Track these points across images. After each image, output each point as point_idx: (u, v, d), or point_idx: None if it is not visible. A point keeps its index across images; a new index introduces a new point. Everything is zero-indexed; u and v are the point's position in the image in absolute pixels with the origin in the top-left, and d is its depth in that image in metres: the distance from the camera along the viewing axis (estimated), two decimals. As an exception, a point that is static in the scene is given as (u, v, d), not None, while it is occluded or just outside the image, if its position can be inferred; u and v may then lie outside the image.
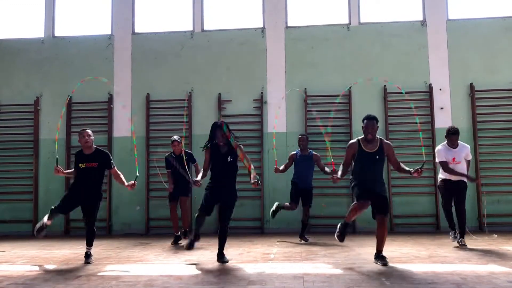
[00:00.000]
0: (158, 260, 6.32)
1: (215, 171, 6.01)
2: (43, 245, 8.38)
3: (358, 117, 10.08)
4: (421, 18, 10.49)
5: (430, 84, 10.15)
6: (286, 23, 10.70)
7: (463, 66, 10.17)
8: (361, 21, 10.58)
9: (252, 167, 5.99)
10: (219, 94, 10.45)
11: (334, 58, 10.47)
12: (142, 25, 11.10)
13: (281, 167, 8.22)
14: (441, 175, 7.41)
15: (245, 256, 6.57)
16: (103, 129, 10.55)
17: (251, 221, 10.10)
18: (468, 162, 7.47)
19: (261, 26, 10.75)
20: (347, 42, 10.51)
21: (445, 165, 7.25)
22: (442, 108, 10.05)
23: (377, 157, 5.66)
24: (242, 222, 9.91)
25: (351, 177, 5.92)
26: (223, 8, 11.07)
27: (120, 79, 10.75)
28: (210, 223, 9.93)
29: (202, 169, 6.14)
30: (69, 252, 7.29)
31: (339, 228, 5.88)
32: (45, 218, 6.17)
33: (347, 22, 10.60)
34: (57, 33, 11.18)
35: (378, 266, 5.51)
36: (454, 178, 7.20)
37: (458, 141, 7.33)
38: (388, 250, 6.93)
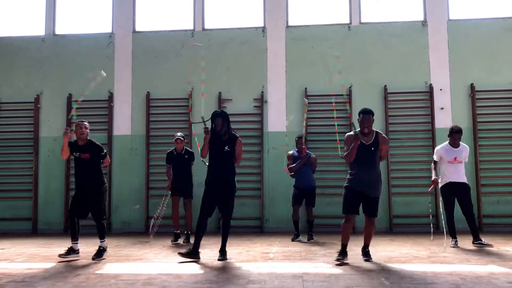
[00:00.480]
0: (158, 259, 6.32)
1: (212, 159, 6.08)
2: (42, 243, 8.38)
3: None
4: (422, 18, 10.49)
5: (430, 84, 10.15)
6: (287, 22, 10.69)
7: (464, 66, 10.16)
8: (362, 21, 10.58)
9: (238, 161, 6.16)
10: (220, 93, 10.45)
11: (334, 58, 10.43)
12: (143, 24, 11.09)
13: (292, 166, 8.30)
14: (443, 179, 7.36)
15: (245, 255, 6.57)
16: (103, 127, 10.55)
17: (250, 220, 10.10)
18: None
19: (262, 25, 10.75)
20: (348, 42, 10.50)
21: (434, 164, 7.37)
22: (442, 108, 10.05)
23: (372, 148, 5.75)
24: (242, 221, 9.91)
25: (348, 172, 5.92)
26: (224, 7, 11.07)
27: (120, 77, 10.75)
28: (210, 222, 9.93)
29: (201, 150, 6.14)
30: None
31: (338, 255, 5.80)
32: (71, 243, 6.32)
33: (348, 21, 10.60)
34: (57, 31, 11.18)
35: (377, 266, 5.52)
36: (456, 180, 7.17)
37: (460, 142, 7.33)
38: (388, 250, 6.94)
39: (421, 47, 10.33)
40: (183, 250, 6.14)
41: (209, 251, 6.82)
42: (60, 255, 6.20)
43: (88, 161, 6.36)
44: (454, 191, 7.24)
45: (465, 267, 5.38)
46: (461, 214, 7.39)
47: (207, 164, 6.24)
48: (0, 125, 10.85)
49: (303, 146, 8.32)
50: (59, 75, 10.91)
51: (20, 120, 10.88)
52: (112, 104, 10.65)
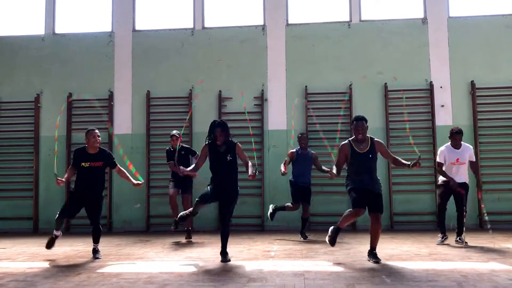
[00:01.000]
0: (159, 257, 6.32)
1: (215, 170, 5.92)
2: (43, 242, 8.35)
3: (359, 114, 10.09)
4: (422, 16, 10.47)
5: (431, 82, 10.14)
6: (287, 20, 10.68)
7: (464, 63, 10.16)
8: (362, 19, 10.57)
9: (250, 163, 5.92)
10: (220, 91, 10.44)
11: (334, 56, 10.46)
12: (143, 22, 11.09)
13: (284, 168, 8.13)
14: (443, 176, 7.35)
15: (246, 253, 6.57)
16: (104, 127, 10.52)
17: (251, 218, 10.10)
18: (473, 163, 7.43)
19: (262, 23, 10.74)
20: (348, 39, 10.49)
21: (440, 166, 7.30)
22: (443, 106, 10.05)
23: (370, 156, 5.74)
24: (243, 220, 9.91)
25: (346, 180, 5.92)
26: (224, 5, 11.06)
27: (120, 76, 10.75)
28: (210, 221, 9.98)
29: (195, 165, 6.12)
30: (69, 249, 7.30)
31: (331, 232, 5.91)
32: (54, 231, 6.38)
33: (348, 19, 10.59)
34: (57, 30, 11.17)
35: (378, 264, 5.51)
36: (457, 179, 7.16)
37: (462, 143, 7.31)
38: (389, 248, 6.94)
39: (421, 44, 10.32)
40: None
41: (210, 250, 6.82)
42: (48, 244, 6.34)
43: (100, 170, 6.31)
44: (451, 189, 7.21)
45: (466, 265, 5.38)
46: (452, 212, 7.38)
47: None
48: (1, 125, 10.86)
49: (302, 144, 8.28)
50: (59, 74, 10.91)
51: (20, 120, 10.88)
52: (112, 103, 10.65)
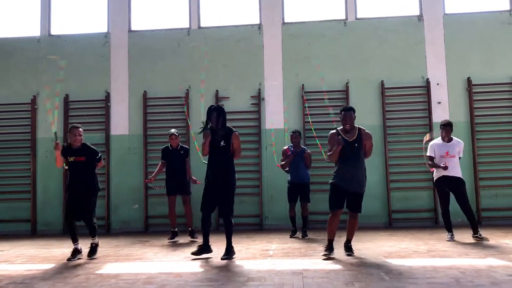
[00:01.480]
0: (157, 258, 6.32)
1: (210, 155, 6.03)
2: (42, 244, 8.38)
3: (356, 112, 10.09)
4: (417, 13, 10.48)
5: (427, 79, 10.15)
6: (283, 19, 10.68)
7: (460, 60, 10.17)
8: (358, 17, 10.57)
9: (238, 157, 6.06)
10: (217, 91, 10.44)
11: (331, 54, 10.46)
12: (139, 23, 11.07)
13: (283, 163, 8.26)
14: (436, 173, 7.38)
15: (244, 252, 6.58)
16: (100, 127, 10.54)
17: (250, 217, 10.10)
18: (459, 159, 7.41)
19: (258, 22, 10.73)
20: (344, 38, 10.50)
21: (430, 160, 7.36)
22: (439, 103, 10.06)
23: (356, 144, 5.81)
24: (241, 219, 9.90)
25: (333, 172, 5.97)
26: (220, 5, 11.05)
27: (117, 77, 10.74)
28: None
29: (203, 149, 6.08)
30: (68, 250, 7.24)
31: (326, 248, 5.89)
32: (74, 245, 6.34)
33: (343, 17, 10.59)
34: (53, 32, 11.14)
35: (377, 261, 5.53)
36: (450, 173, 7.18)
37: (454, 137, 7.33)
38: (387, 245, 6.96)
39: (418, 41, 10.33)
40: (194, 250, 6.13)
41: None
42: (68, 259, 6.20)
43: (84, 165, 6.39)
44: (447, 184, 7.24)
45: (464, 261, 5.40)
46: (459, 208, 7.39)
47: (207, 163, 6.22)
48: (-3, 127, 10.83)
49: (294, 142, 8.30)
50: (55, 75, 10.84)
51: (17, 122, 10.85)
52: (109, 103, 10.63)
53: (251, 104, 10.43)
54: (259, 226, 10.00)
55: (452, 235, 7.27)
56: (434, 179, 7.46)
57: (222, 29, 10.79)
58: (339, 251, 6.38)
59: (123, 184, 10.43)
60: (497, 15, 10.32)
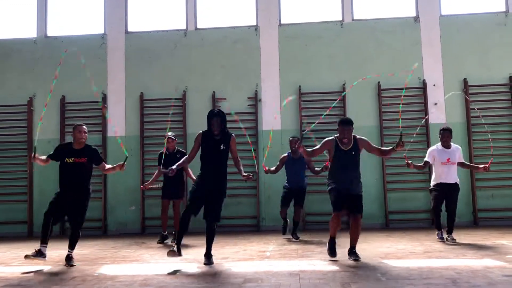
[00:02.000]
0: (154, 260, 6.31)
1: (206, 159, 5.75)
2: (38, 246, 8.33)
3: (352, 113, 10.10)
4: (414, 14, 10.52)
5: (424, 80, 10.18)
6: (280, 20, 10.70)
7: (457, 61, 10.21)
8: (354, 18, 10.60)
9: (241, 163, 5.87)
10: (213, 92, 10.44)
11: (327, 55, 10.48)
12: (135, 24, 11.07)
13: (272, 168, 7.99)
14: (435, 180, 7.33)
15: (241, 254, 6.58)
16: (97, 129, 10.52)
17: (247, 219, 10.10)
18: (462, 164, 7.40)
19: (255, 24, 10.74)
20: (341, 39, 10.51)
21: (425, 165, 7.34)
22: (436, 104, 10.09)
23: (353, 153, 5.85)
24: (238, 220, 9.92)
25: (327, 180, 5.98)
26: (217, 6, 11.06)
27: (113, 78, 10.73)
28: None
29: (187, 156, 5.98)
30: (64, 252, 7.24)
31: (328, 245, 5.91)
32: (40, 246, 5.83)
33: (340, 19, 10.61)
34: (49, 33, 11.13)
35: (373, 262, 5.53)
36: (448, 181, 7.17)
37: (451, 143, 7.30)
38: (384, 246, 6.97)
39: (414, 43, 10.36)
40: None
41: (205, 251, 6.80)
42: (26, 256, 5.74)
43: (84, 167, 6.03)
44: (444, 190, 7.23)
45: (460, 262, 5.41)
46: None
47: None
48: (-6, 128, 10.80)
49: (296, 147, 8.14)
50: (52, 77, 10.81)
51: (13, 123, 10.83)
52: (105, 105, 10.61)
53: (248, 105, 10.43)
54: (256, 228, 10.00)
55: (442, 233, 7.28)
56: (431, 185, 7.40)
57: (219, 31, 10.79)
58: (337, 251, 6.39)
59: (120, 186, 10.41)
60: (492, 16, 10.36)
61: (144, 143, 10.45)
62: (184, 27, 10.87)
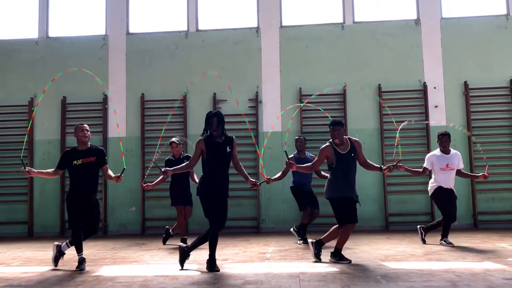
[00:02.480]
0: (154, 261, 6.32)
1: (213, 164, 5.47)
2: (38, 246, 8.36)
3: (353, 116, 10.14)
4: (415, 17, 10.53)
5: (424, 83, 10.19)
6: (281, 22, 10.71)
7: (457, 64, 10.21)
8: (356, 20, 10.61)
9: (243, 168, 5.72)
10: (214, 94, 10.45)
11: (328, 57, 10.50)
12: (137, 26, 11.08)
13: (278, 175, 7.56)
14: (434, 183, 7.20)
15: (241, 255, 6.58)
16: (98, 130, 10.52)
17: (247, 220, 10.11)
18: (461, 171, 7.29)
19: (256, 25, 10.76)
20: (342, 41, 10.53)
21: (424, 172, 7.21)
22: (436, 106, 10.10)
23: (352, 155, 5.83)
24: (238, 222, 9.92)
25: (326, 187, 5.93)
26: (218, 7, 11.07)
27: (114, 79, 10.73)
28: (206, 224, 9.93)
29: (187, 163, 5.76)
30: (65, 253, 7.25)
31: (339, 257, 5.78)
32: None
33: (341, 21, 10.63)
34: (51, 34, 11.15)
35: (373, 265, 5.53)
36: (446, 186, 7.08)
37: (451, 148, 7.22)
38: (384, 248, 6.97)
39: (415, 45, 10.37)
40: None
41: (205, 253, 6.78)
42: (81, 269, 5.62)
43: (93, 166, 5.85)
44: (444, 194, 7.14)
45: (460, 264, 5.40)
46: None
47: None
48: (-5, 129, 10.81)
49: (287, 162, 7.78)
50: (53, 77, 10.84)
51: (14, 124, 10.84)
52: (106, 106, 10.63)
53: (249, 107, 10.44)
54: (256, 229, 10.00)
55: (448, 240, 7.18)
56: (431, 190, 7.27)
57: (220, 32, 10.81)
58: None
59: (120, 187, 10.37)
60: (493, 19, 10.37)
61: (145, 144, 10.45)
62: (185, 29, 10.88)
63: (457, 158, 7.16)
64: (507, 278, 4.57)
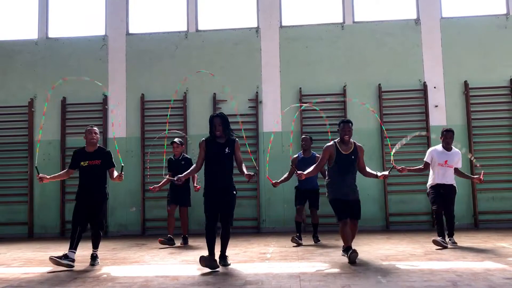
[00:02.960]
0: (154, 261, 6.31)
1: (211, 165, 5.63)
2: (38, 247, 8.36)
3: (353, 116, 10.11)
4: (415, 17, 10.52)
5: (424, 82, 10.18)
6: (281, 22, 10.71)
7: (457, 64, 10.21)
8: (355, 20, 10.61)
9: (244, 165, 5.72)
10: (214, 94, 10.45)
11: (328, 57, 10.49)
12: (136, 26, 11.08)
13: (284, 176, 7.66)
14: (431, 180, 7.20)
15: (242, 256, 6.58)
16: (99, 130, 10.49)
17: (247, 220, 10.10)
18: (458, 170, 7.24)
19: (256, 25, 10.76)
20: (342, 41, 10.53)
21: (425, 167, 7.20)
22: (436, 106, 10.10)
23: (352, 157, 5.94)
24: (239, 222, 9.89)
25: (327, 180, 6.06)
26: (218, 8, 11.07)
27: (114, 80, 10.73)
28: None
29: (194, 166, 5.83)
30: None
31: (348, 255, 5.78)
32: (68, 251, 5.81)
33: (341, 21, 10.62)
34: (50, 34, 11.14)
35: (374, 264, 5.53)
36: (444, 182, 7.07)
37: (453, 146, 7.20)
38: (384, 248, 6.96)
39: (415, 45, 10.37)
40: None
41: (206, 253, 6.80)
42: (51, 258, 5.71)
43: (98, 169, 6.06)
44: (441, 191, 7.05)
45: (461, 264, 5.40)
46: (456, 211, 7.36)
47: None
48: (-5, 130, 10.81)
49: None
50: (53, 78, 10.81)
51: (14, 124, 10.84)
52: (106, 106, 10.62)
53: (249, 107, 10.44)
54: (256, 229, 10.00)
55: (445, 237, 7.13)
56: (428, 187, 7.26)
57: (220, 32, 10.81)
58: (336, 254, 6.40)
59: (120, 187, 10.38)
60: (493, 19, 10.37)
61: (145, 144, 10.45)
62: (185, 29, 10.88)
63: (457, 156, 7.18)
64: (507, 277, 4.57)
